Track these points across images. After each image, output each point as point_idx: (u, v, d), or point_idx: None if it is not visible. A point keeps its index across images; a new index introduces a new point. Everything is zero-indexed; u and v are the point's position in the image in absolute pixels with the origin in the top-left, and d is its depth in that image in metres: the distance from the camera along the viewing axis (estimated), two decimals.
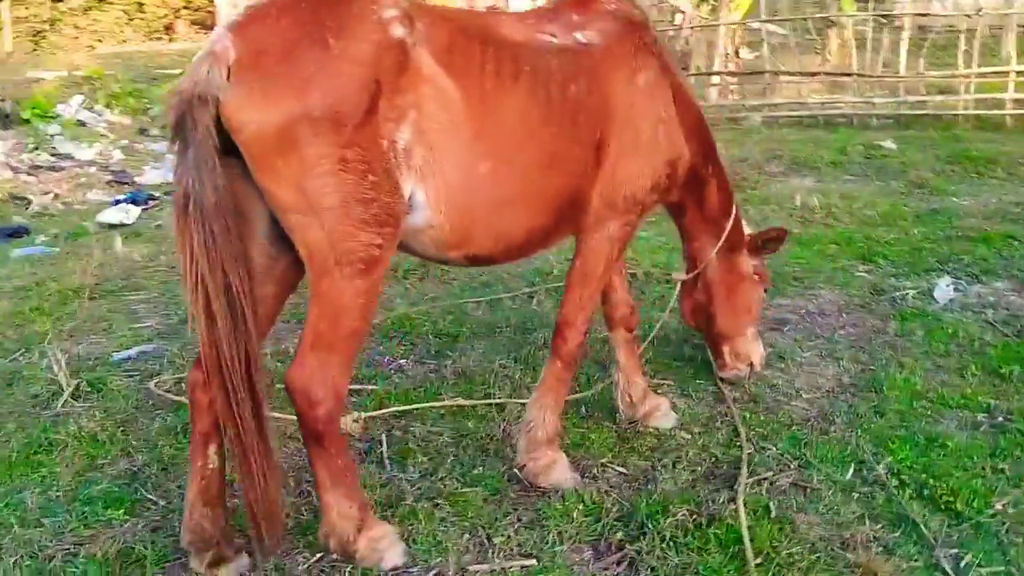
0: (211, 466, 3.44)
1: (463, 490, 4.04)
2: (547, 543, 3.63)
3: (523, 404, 4.39)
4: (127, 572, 3.56)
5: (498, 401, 4.89)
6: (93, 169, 13.65)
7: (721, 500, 3.84)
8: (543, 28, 3.80)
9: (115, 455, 4.46)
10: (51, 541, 3.75)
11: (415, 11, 3.36)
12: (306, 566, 3.57)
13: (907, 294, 6.42)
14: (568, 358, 4.02)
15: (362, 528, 3.49)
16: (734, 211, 4.61)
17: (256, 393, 3.27)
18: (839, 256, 7.43)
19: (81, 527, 3.87)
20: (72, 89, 17.89)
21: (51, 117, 15.76)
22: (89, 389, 5.24)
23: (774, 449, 4.34)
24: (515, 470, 4.13)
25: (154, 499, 4.06)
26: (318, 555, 3.59)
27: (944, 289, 6.33)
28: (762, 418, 4.67)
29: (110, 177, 13.32)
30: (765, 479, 4.05)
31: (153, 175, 13.60)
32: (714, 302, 4.75)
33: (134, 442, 4.60)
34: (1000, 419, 4.56)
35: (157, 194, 12.17)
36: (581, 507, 3.84)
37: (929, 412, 4.65)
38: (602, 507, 3.84)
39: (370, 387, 5.19)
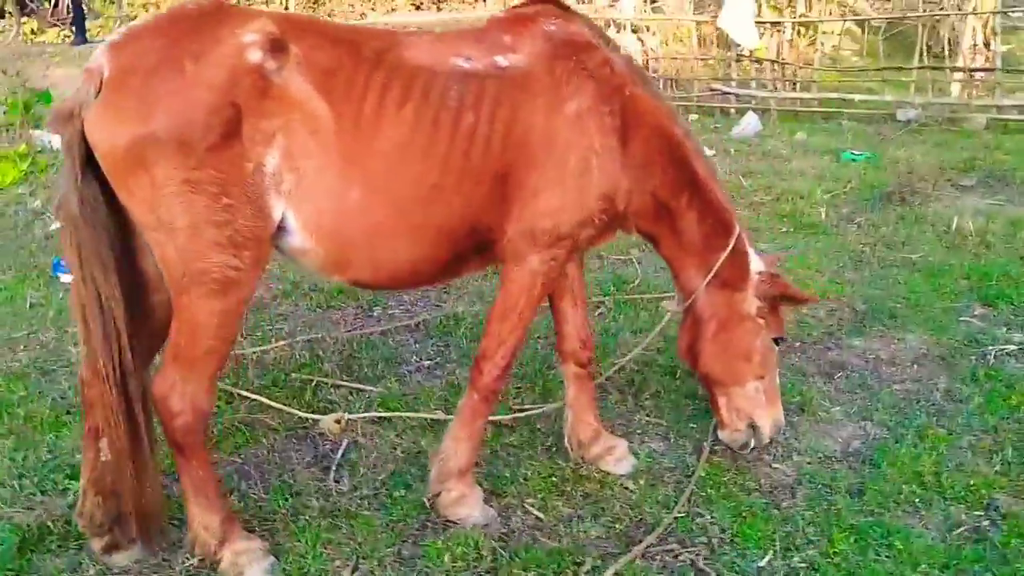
0: (102, 458, 3.65)
1: (372, 512, 4.04)
2: None
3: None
4: (36, 545, 3.85)
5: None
6: None
7: (594, 569, 3.59)
8: (460, 51, 3.66)
9: None
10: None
11: (295, 34, 3.37)
12: (185, 565, 3.70)
13: (1004, 350, 5.58)
14: (484, 392, 3.90)
15: (225, 541, 3.60)
16: (730, 243, 4.18)
17: (128, 396, 3.45)
18: (959, 294, 6.58)
19: (37, 493, 4.24)
20: None
21: None
22: None
23: (707, 517, 3.99)
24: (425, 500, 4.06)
25: None
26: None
27: None
28: (727, 478, 4.29)
29: None
30: (667, 551, 3.74)
31: None
32: (701, 340, 4.33)
33: None
34: (987, 523, 3.91)
35: None
36: (459, 550, 3.71)
37: (913, 500, 4.07)
38: (479, 554, 3.71)
39: (373, 389, 5.25)
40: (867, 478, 4.23)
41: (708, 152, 12.18)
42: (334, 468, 4.46)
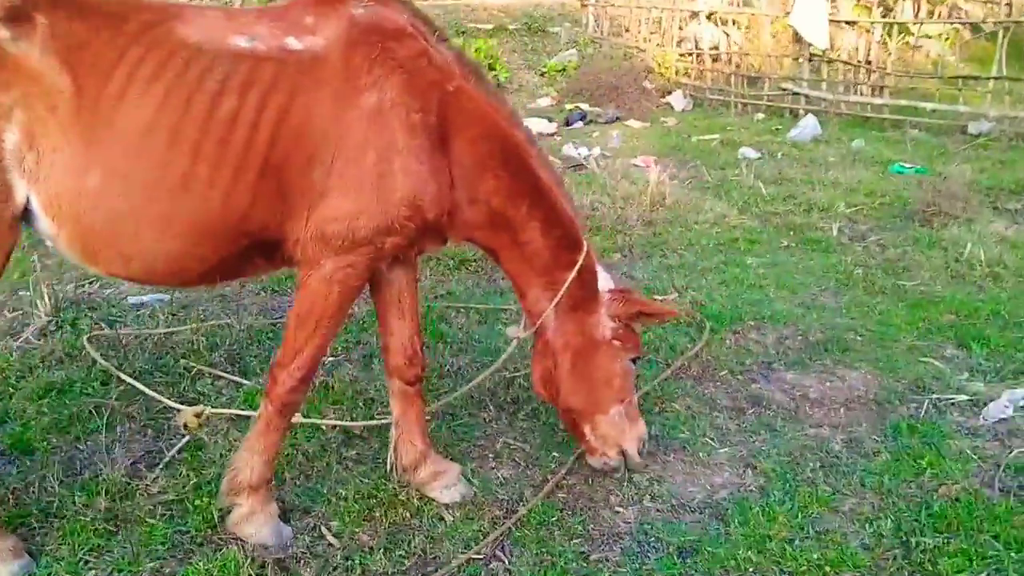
0: None
1: (161, 520, 3.80)
2: None
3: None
4: None
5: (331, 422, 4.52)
6: None
7: None
8: (247, 29, 3.35)
9: None
10: None
11: (48, 4, 3.12)
12: None
13: (950, 400, 4.94)
14: (278, 402, 3.58)
15: None
16: (579, 260, 3.77)
17: None
18: (937, 331, 5.91)
19: None
20: None
21: None
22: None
23: (505, 563, 3.60)
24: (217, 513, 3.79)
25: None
26: None
27: (1001, 407, 4.78)
28: (555, 518, 3.89)
29: None
30: None
31: None
32: (558, 373, 3.95)
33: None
34: None
35: None
36: (218, 574, 3.42)
37: (742, 570, 3.56)
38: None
39: (245, 382, 5.02)
40: (708, 536, 3.74)
41: (752, 154, 11.75)
42: (160, 466, 4.22)
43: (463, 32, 19.45)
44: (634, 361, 4.03)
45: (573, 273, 3.76)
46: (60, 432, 4.55)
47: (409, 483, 4.03)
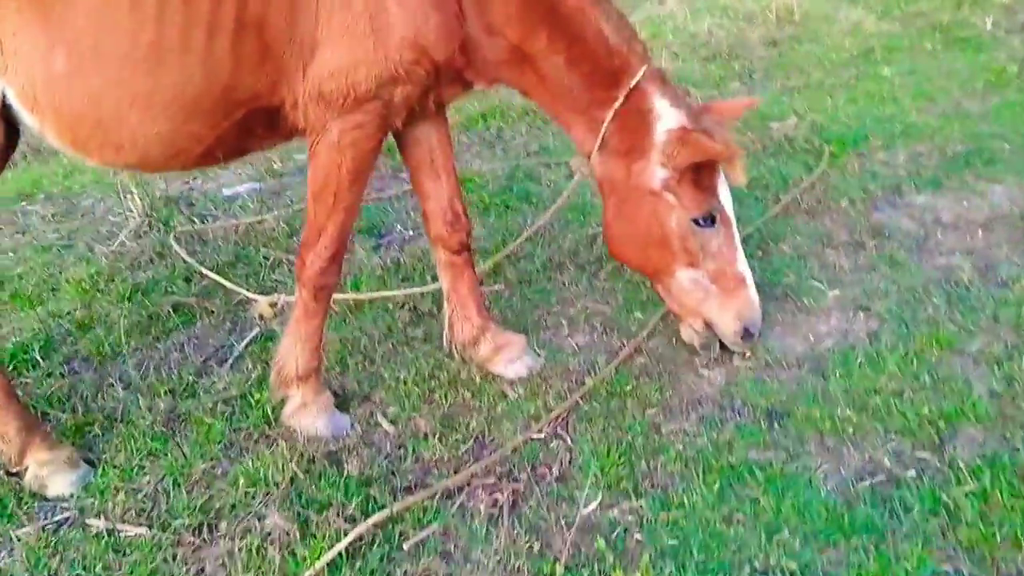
0: None
1: (218, 418, 3.67)
2: (163, 511, 3.18)
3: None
4: None
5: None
6: None
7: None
8: None
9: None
10: None
11: None
12: None
13: None
14: (310, 284, 3.33)
15: (27, 450, 3.35)
16: (618, 97, 3.20)
17: None
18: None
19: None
20: None
21: None
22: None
23: (566, 442, 3.24)
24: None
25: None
26: None
27: None
28: (628, 388, 3.49)
29: None
30: (487, 486, 3.06)
31: None
32: (605, 218, 3.47)
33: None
34: (910, 474, 2.87)
35: None
36: (260, 472, 3.25)
37: (841, 431, 3.08)
38: (273, 482, 3.21)
39: None
40: (802, 394, 3.26)
41: None
42: (229, 361, 4.08)
43: None
44: (710, 221, 3.33)
45: (610, 113, 3.21)
46: (140, 334, 4.47)
47: (470, 360, 3.70)
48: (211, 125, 3.03)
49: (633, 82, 3.18)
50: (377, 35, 2.90)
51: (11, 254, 5.68)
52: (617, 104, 3.18)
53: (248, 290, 4.69)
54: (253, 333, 4.28)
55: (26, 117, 3.01)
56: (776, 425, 3.14)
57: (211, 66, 2.90)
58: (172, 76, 2.89)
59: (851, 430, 3.06)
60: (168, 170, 3.45)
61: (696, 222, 3.29)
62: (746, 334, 3.41)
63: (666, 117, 3.22)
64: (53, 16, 2.81)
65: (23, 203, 6.39)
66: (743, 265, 3.38)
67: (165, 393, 3.87)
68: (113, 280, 5.09)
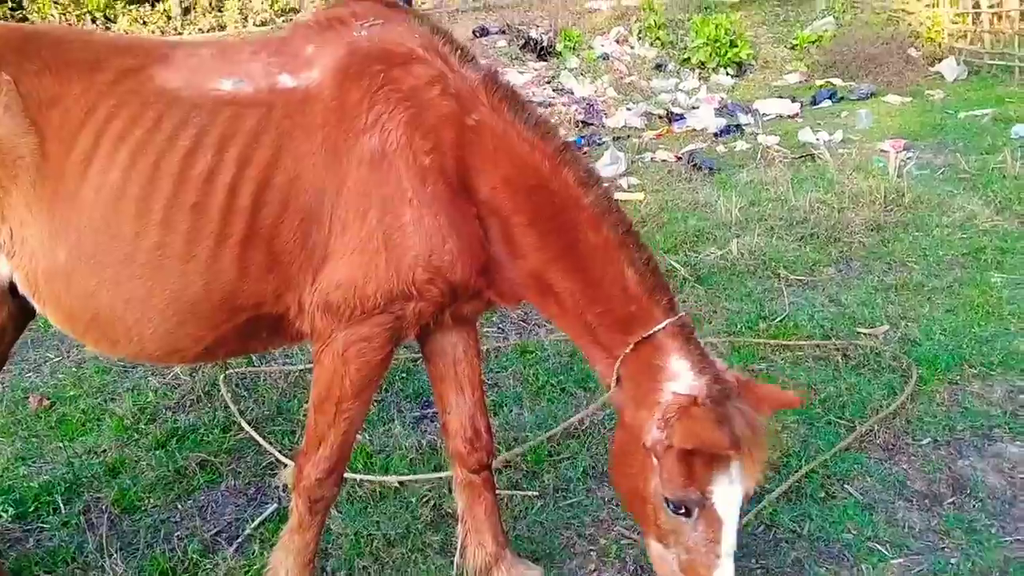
0: None
1: None
2: None
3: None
4: None
5: None
6: (575, 107, 13.90)
7: None
8: (238, 68, 2.85)
9: None
10: None
11: (12, 54, 2.78)
12: None
13: None
14: (306, 495, 3.10)
15: None
16: (629, 343, 2.82)
17: None
18: None
19: None
20: (618, 21, 18.29)
21: (579, 50, 16.36)
22: None
23: None
24: None
25: None
26: None
27: None
28: None
29: (581, 116, 13.46)
30: None
31: (623, 116, 13.44)
32: (613, 452, 3.03)
33: None
34: None
35: (604, 139, 12.07)
36: None
37: None
38: None
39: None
40: None
41: None
42: (239, 540, 3.89)
43: (706, 7, 18.24)
44: (683, 511, 2.69)
45: (618, 360, 2.85)
46: (164, 489, 4.35)
47: None
48: (211, 327, 2.91)
49: (646, 333, 2.79)
50: (390, 252, 2.75)
51: (74, 371, 5.69)
52: (627, 350, 2.82)
53: (281, 451, 4.53)
54: (270, 509, 4.09)
55: (31, 301, 2.97)
56: None
57: (214, 274, 2.79)
58: (171, 282, 2.80)
59: None
60: (167, 364, 3.32)
61: (668, 503, 2.72)
62: None
63: (680, 379, 2.74)
64: (59, 213, 2.76)
65: None
66: (723, 572, 2.67)
67: (163, 572, 3.66)
68: (155, 420, 5.02)
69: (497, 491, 3.52)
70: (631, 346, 2.79)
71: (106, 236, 2.76)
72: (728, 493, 2.64)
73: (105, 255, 2.77)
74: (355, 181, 2.73)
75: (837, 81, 14.35)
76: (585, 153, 10.90)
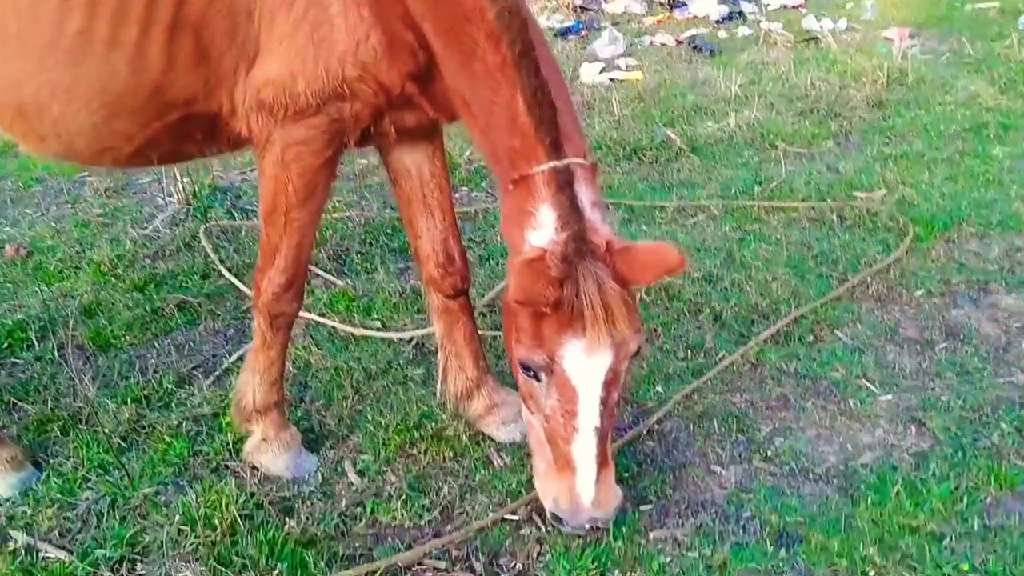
0: None
1: (178, 438, 3.36)
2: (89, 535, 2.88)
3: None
4: None
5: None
6: None
7: None
8: None
9: None
10: None
11: None
12: None
13: None
14: (265, 312, 3.01)
15: None
16: (513, 177, 2.55)
17: None
18: None
19: None
20: None
21: None
22: None
23: (529, 531, 2.82)
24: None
25: None
26: None
27: None
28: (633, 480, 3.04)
29: (580, 1, 13.06)
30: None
31: (623, 2, 13.04)
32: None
33: None
34: None
35: (603, 24, 11.73)
36: (202, 510, 2.92)
37: (864, 571, 2.58)
38: (212, 524, 2.86)
39: (336, 282, 4.53)
40: (823, 518, 2.78)
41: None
42: (216, 374, 3.83)
43: None
44: (532, 375, 2.53)
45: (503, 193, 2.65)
46: (140, 328, 4.25)
47: (459, 413, 3.33)
48: (140, 125, 2.78)
49: (526, 172, 2.50)
50: (317, 47, 2.59)
51: (54, 224, 5.56)
52: (510, 188, 2.58)
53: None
54: (249, 346, 3.96)
55: None
56: (784, 551, 2.67)
57: (141, 63, 2.64)
58: (96, 70, 2.66)
59: (872, 573, 2.56)
60: (99, 166, 3.19)
61: (520, 364, 2.56)
62: (556, 518, 2.66)
63: (543, 230, 2.48)
64: None
65: (84, 173, 6.29)
66: (581, 450, 2.51)
67: (137, 399, 3.59)
68: (133, 266, 4.91)
69: (480, 332, 3.42)
70: (511, 184, 2.55)
71: (29, 20, 2.63)
72: (581, 359, 2.43)
73: (28, 40, 2.65)
74: None
75: None
76: (584, 37, 10.63)
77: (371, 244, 5.02)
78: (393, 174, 3.14)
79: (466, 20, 2.51)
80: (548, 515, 2.68)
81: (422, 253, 3.18)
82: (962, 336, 3.75)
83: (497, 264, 4.64)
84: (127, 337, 4.17)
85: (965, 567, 2.53)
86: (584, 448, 2.50)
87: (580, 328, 2.38)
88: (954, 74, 7.79)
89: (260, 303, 2.98)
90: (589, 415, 2.47)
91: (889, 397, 3.37)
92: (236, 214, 5.55)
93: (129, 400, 3.57)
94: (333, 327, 4.10)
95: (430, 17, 2.57)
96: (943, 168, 5.64)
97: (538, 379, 2.51)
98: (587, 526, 2.60)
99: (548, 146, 2.45)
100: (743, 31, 10.63)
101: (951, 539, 2.66)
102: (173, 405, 3.58)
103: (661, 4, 12.62)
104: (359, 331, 4.05)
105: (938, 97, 7.15)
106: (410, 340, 3.95)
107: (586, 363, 2.42)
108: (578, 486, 2.53)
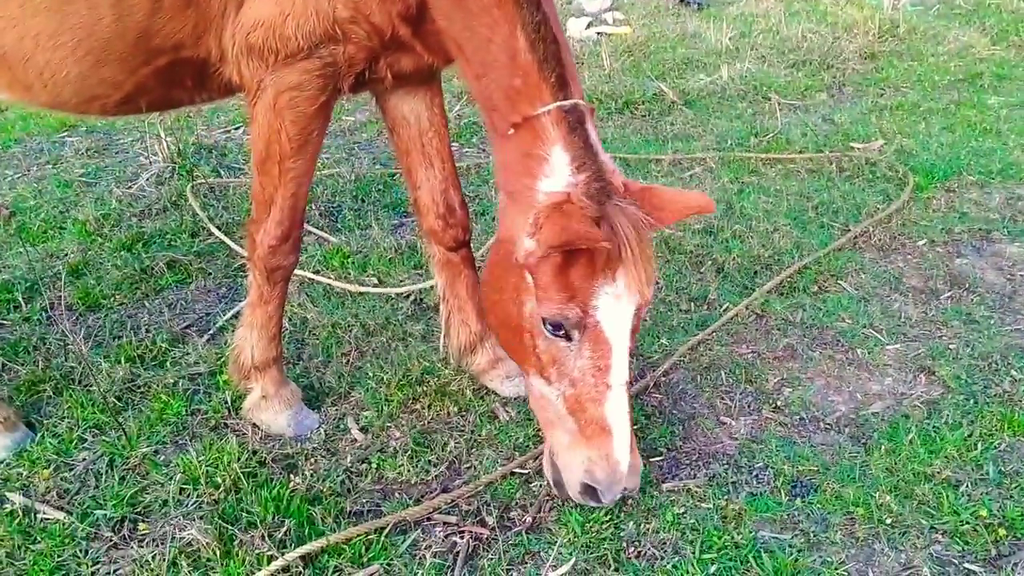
0: None
1: (175, 397, 3.28)
2: (88, 496, 2.81)
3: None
4: None
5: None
6: None
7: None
8: None
9: None
10: None
11: None
12: None
13: None
14: (261, 265, 2.92)
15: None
16: (515, 120, 2.40)
17: None
18: None
19: None
20: None
21: None
22: None
23: (537, 482, 2.77)
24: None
25: None
26: None
27: None
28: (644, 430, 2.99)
29: None
30: (445, 525, 2.62)
31: None
32: (487, 266, 2.63)
33: None
34: None
35: None
36: (203, 468, 2.85)
37: (881, 518, 2.55)
38: (214, 482, 2.80)
39: (331, 239, 4.44)
40: (837, 467, 2.75)
41: None
42: (210, 332, 3.74)
43: None
44: (563, 334, 2.36)
45: (502, 139, 2.47)
46: (130, 288, 4.15)
47: (463, 368, 3.26)
48: (128, 71, 2.66)
49: (530, 113, 2.36)
50: None
51: (35, 185, 5.42)
52: (510, 131, 2.42)
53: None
54: (244, 303, 3.88)
55: None
56: (799, 500, 2.63)
57: (125, 7, 2.53)
58: (80, 16, 2.55)
59: (889, 521, 2.53)
60: (88, 114, 3.09)
61: (546, 325, 2.38)
62: (590, 492, 2.45)
63: (557, 175, 2.34)
64: None
65: (64, 133, 6.14)
66: (615, 408, 2.35)
67: (131, 359, 3.50)
68: (119, 225, 4.79)
69: None
70: (512, 127, 2.41)
71: None
72: (614, 308, 2.28)
73: None
74: None
75: None
76: None
77: (363, 200, 4.92)
78: (391, 123, 3.05)
79: None
80: (573, 493, 2.48)
81: (421, 204, 3.09)
82: (967, 285, 3.71)
83: (493, 219, 4.56)
84: (117, 297, 4.06)
85: (983, 513, 2.49)
86: (618, 406, 2.35)
87: (611, 273, 2.26)
88: (946, 25, 7.72)
89: (256, 256, 2.89)
90: (621, 368, 2.34)
91: (897, 346, 3.33)
92: (222, 171, 5.42)
93: (123, 359, 3.48)
94: (329, 284, 4.01)
95: None
96: (939, 118, 5.59)
97: (569, 338, 2.35)
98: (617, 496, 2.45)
99: (554, 84, 2.34)
100: None
101: (967, 486, 2.63)
102: (168, 364, 3.49)
103: None
104: (355, 287, 3.97)
105: (931, 48, 7.08)
106: (407, 295, 3.87)
107: (621, 310, 2.30)
108: (615, 451, 2.35)
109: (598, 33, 8.21)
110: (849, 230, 4.16)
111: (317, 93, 2.62)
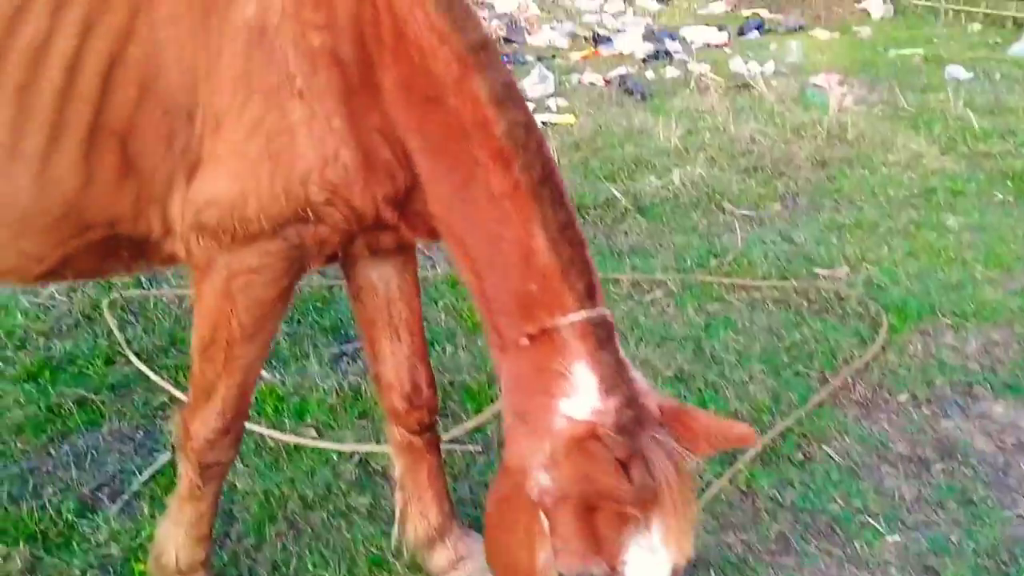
0: None
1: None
2: None
3: None
4: None
5: None
6: (496, 23, 13.13)
7: None
8: None
9: None
10: None
11: None
12: None
13: None
14: (195, 459, 2.48)
15: None
16: (528, 332, 2.03)
17: None
18: None
19: None
20: None
21: None
22: None
23: None
24: None
25: None
26: None
27: None
28: None
29: (504, 33, 12.73)
30: None
31: (547, 35, 12.77)
32: (491, 493, 2.18)
33: None
34: None
35: (527, 58, 11.42)
36: None
37: None
38: None
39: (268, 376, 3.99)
40: None
41: (962, 74, 9.62)
42: (124, 496, 3.29)
43: None
44: None
45: (512, 351, 2.08)
46: (33, 431, 3.69)
47: (423, 562, 2.86)
48: (52, 245, 2.25)
49: (548, 324, 2.00)
50: (275, 162, 2.09)
51: None
52: (522, 341, 2.04)
53: (176, 387, 3.89)
54: (162, 459, 3.46)
55: None
56: None
57: (51, 179, 2.13)
58: (4, 186, 2.13)
59: None
60: (6, 283, 2.65)
61: None
62: None
63: (581, 396, 1.95)
64: None
65: None
66: None
67: (31, 536, 3.02)
68: (25, 347, 4.29)
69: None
70: (526, 338, 2.04)
71: None
72: (648, 565, 1.87)
73: None
74: (229, 64, 2.07)
75: (764, 12, 13.96)
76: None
77: (299, 322, 4.51)
78: (355, 289, 2.67)
79: (465, 136, 2.05)
80: None
81: (384, 381, 2.71)
82: (958, 456, 3.47)
83: (443, 350, 4.18)
84: (17, 443, 3.59)
85: None
86: None
87: (647, 521, 1.84)
88: (892, 129, 7.70)
89: (189, 448, 2.46)
90: None
91: (896, 538, 3.05)
92: (144, 282, 4.95)
93: (22, 539, 2.98)
94: (261, 434, 3.58)
95: (417, 130, 2.11)
96: (900, 241, 5.44)
97: None
98: None
99: (581, 292, 1.99)
100: (671, 72, 10.48)
101: None
102: (75, 543, 3.03)
103: (586, 39, 12.42)
104: (291, 439, 3.55)
105: (880, 156, 7.02)
106: (351, 455, 3.46)
107: (656, 568, 1.88)
108: None
109: (543, 122, 7.99)
110: (827, 380, 3.90)
111: (278, 277, 2.23)
